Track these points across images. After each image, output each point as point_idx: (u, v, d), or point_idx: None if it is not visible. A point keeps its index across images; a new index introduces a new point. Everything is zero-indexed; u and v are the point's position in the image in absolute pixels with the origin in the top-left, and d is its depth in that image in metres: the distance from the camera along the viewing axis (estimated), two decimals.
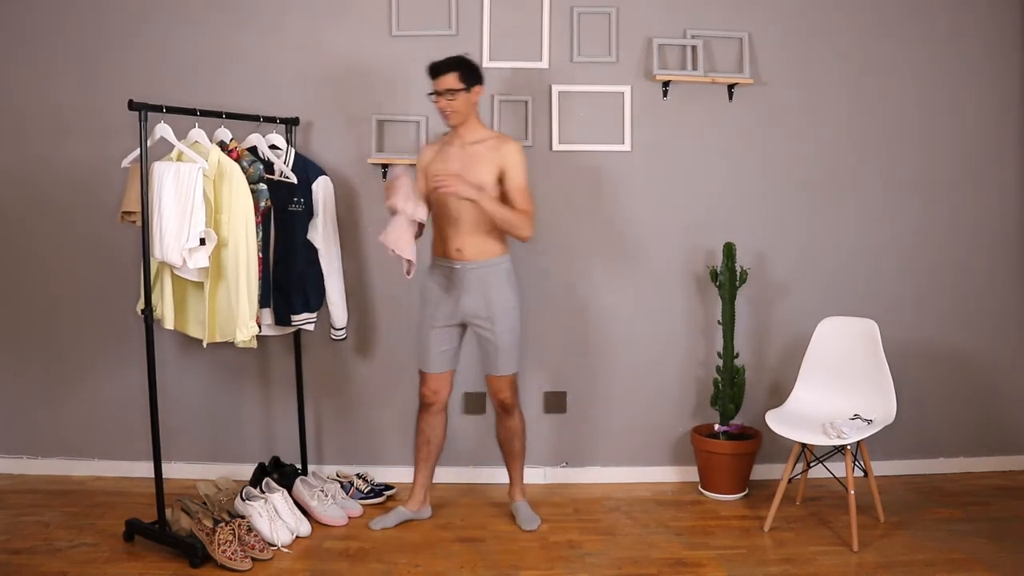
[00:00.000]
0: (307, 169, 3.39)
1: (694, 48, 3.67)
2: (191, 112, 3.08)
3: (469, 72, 3.13)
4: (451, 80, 3.08)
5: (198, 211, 2.90)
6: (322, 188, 3.39)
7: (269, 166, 3.33)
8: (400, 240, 3.03)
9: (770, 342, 3.83)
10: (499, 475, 3.72)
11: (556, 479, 3.81)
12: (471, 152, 3.15)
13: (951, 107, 3.81)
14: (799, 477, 3.51)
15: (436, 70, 3.11)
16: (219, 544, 2.94)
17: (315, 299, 3.44)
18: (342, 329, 3.53)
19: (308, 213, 3.39)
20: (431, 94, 3.14)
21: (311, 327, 3.48)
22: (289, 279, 3.38)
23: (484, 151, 3.14)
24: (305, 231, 3.40)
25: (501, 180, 3.12)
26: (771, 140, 3.77)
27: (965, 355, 3.89)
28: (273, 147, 3.36)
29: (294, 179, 3.33)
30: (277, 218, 3.33)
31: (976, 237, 3.86)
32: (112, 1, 3.64)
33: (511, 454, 3.40)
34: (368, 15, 3.67)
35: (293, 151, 3.41)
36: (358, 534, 3.26)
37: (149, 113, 2.90)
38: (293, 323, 3.43)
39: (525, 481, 3.49)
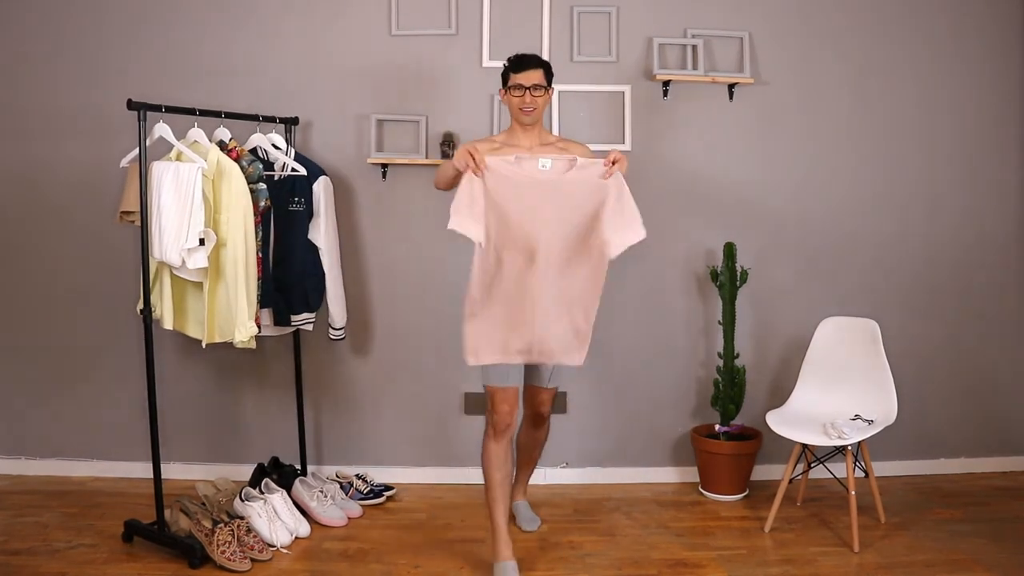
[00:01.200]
0: (307, 169, 3.38)
1: (694, 48, 3.66)
2: (190, 112, 3.07)
3: (550, 72, 3.03)
4: (540, 76, 2.96)
5: (197, 211, 2.90)
6: (323, 188, 3.39)
7: (269, 166, 3.33)
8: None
9: (770, 342, 3.82)
10: None
11: (556, 479, 3.80)
12: (544, 153, 2.98)
13: (951, 107, 3.80)
14: (800, 478, 3.51)
15: (525, 64, 2.96)
16: (218, 545, 2.93)
17: (315, 299, 3.44)
18: (341, 329, 3.52)
19: (308, 213, 3.38)
20: (510, 87, 2.96)
21: (310, 327, 3.48)
22: (290, 279, 3.37)
23: (556, 152, 3.01)
24: (305, 231, 3.39)
25: None
26: (771, 140, 3.76)
27: (965, 355, 3.88)
28: (274, 147, 3.36)
29: (303, 171, 3.32)
30: (278, 218, 3.32)
31: (976, 237, 3.85)
32: (112, 1, 3.64)
33: (528, 460, 3.37)
34: (368, 15, 3.66)
35: (293, 151, 3.41)
36: (357, 535, 3.26)
37: (148, 113, 2.89)
38: (293, 323, 3.42)
39: None
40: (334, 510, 3.37)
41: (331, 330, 3.52)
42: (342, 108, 3.68)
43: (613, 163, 2.82)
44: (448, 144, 3.61)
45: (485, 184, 2.78)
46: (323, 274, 3.44)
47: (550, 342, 2.83)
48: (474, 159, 2.76)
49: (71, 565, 2.94)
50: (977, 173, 3.84)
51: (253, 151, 3.31)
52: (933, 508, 3.50)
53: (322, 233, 3.40)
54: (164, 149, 3.10)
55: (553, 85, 3.02)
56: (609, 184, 2.81)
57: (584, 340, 2.88)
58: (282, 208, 3.34)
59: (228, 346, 3.16)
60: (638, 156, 3.72)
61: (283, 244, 3.34)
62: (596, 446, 3.83)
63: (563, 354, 2.88)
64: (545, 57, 3.65)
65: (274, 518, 3.16)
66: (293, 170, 3.33)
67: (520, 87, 2.95)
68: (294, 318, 3.41)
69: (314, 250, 3.41)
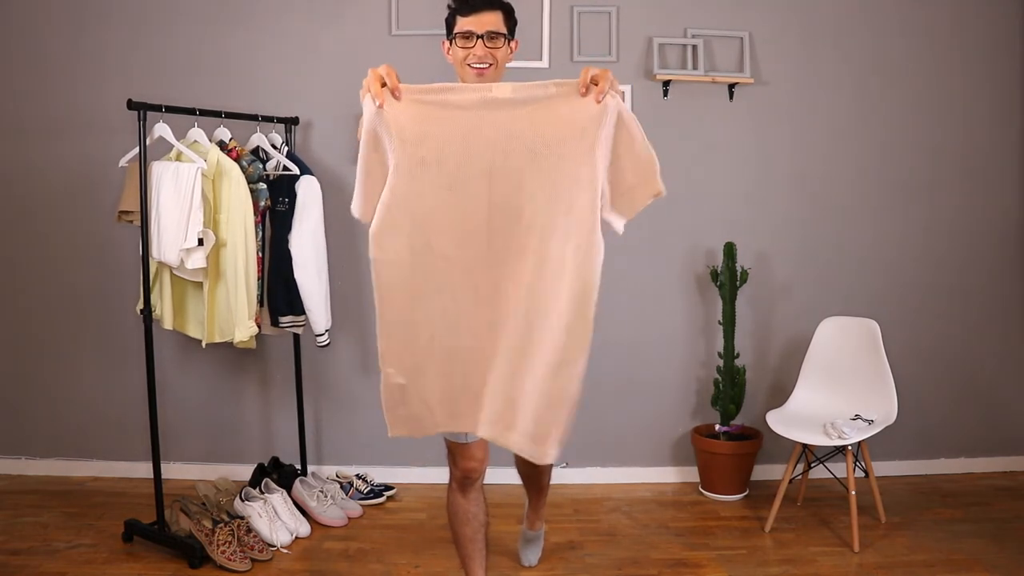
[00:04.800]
0: (297, 168, 3.33)
1: (694, 48, 3.66)
2: (190, 112, 3.07)
3: (512, 19, 2.28)
4: (497, 20, 2.21)
5: (196, 211, 2.90)
6: (303, 188, 3.25)
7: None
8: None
9: (771, 342, 3.82)
10: (498, 475, 3.71)
11: (556, 479, 3.76)
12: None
13: (952, 107, 3.80)
14: (800, 477, 3.51)
15: (476, 3, 2.21)
16: (218, 545, 2.93)
17: (299, 304, 3.31)
18: (323, 335, 3.37)
19: (292, 214, 3.28)
20: (456, 35, 2.24)
21: (299, 331, 3.39)
22: (275, 280, 3.30)
23: None
24: (290, 232, 3.28)
25: None
26: (771, 140, 3.76)
27: (966, 355, 3.88)
28: (272, 147, 3.35)
29: (296, 169, 3.29)
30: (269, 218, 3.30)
31: (977, 237, 3.85)
32: (112, 1, 3.64)
33: (538, 489, 2.86)
34: (368, 14, 3.66)
35: (287, 149, 3.40)
36: (357, 535, 3.26)
37: (148, 112, 2.89)
38: (280, 324, 3.34)
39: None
40: (334, 510, 3.37)
41: (315, 337, 3.39)
42: (342, 108, 3.67)
43: (593, 84, 1.90)
44: None
45: (392, 118, 1.84)
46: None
47: (516, 412, 1.92)
48: (380, 84, 1.87)
49: (71, 565, 2.94)
50: (977, 173, 3.83)
51: (254, 151, 3.30)
52: (933, 508, 3.50)
53: (294, 234, 3.25)
54: (164, 149, 3.09)
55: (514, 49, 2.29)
56: (604, 110, 1.92)
57: (571, 410, 1.94)
58: (271, 209, 3.28)
59: (228, 346, 3.16)
60: None
61: (271, 245, 3.30)
62: (596, 446, 3.83)
63: (528, 438, 1.96)
64: (545, 56, 3.66)
65: (274, 518, 3.16)
66: (286, 169, 3.30)
67: (469, 35, 2.20)
68: (281, 320, 3.32)
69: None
